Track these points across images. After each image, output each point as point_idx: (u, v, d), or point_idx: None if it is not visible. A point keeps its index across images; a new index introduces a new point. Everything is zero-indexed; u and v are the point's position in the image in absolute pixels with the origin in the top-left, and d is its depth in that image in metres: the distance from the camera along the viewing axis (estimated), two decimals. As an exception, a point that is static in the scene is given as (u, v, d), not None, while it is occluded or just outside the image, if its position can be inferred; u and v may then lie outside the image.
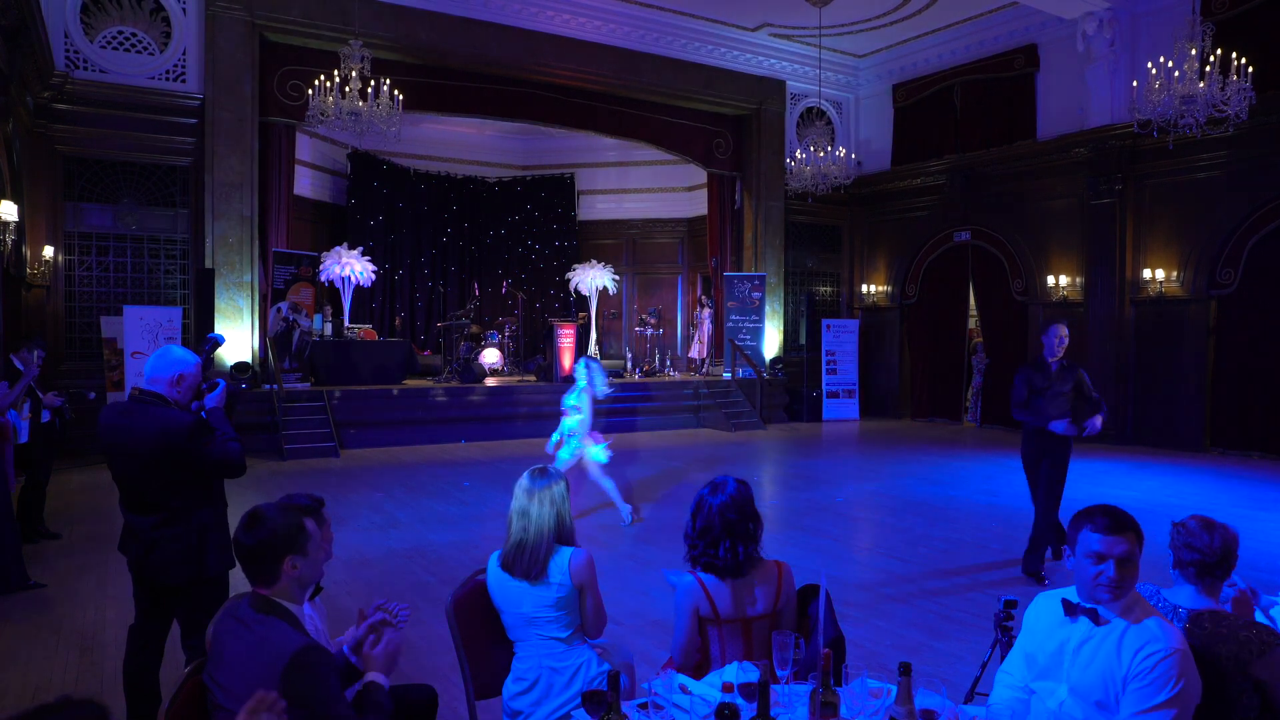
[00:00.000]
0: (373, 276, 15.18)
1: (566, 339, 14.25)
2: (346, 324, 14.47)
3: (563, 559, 2.83)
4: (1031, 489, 6.15)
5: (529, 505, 2.85)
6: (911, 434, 14.10)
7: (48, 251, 10.46)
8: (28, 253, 10.03)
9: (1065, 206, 13.50)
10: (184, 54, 11.35)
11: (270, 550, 2.24)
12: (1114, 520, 2.16)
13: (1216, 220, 11.75)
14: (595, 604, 2.92)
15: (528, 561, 2.81)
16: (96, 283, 11.09)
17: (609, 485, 7.47)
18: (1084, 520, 2.21)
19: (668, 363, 17.26)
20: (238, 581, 3.53)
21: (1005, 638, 3.09)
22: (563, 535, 2.88)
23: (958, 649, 4.54)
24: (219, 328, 11.31)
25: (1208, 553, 2.36)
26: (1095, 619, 2.17)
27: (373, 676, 2.36)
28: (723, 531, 2.73)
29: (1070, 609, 2.21)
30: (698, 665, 2.82)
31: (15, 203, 8.55)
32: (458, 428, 12.56)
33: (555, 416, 13.42)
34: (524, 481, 2.91)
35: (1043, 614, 2.33)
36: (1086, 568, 2.17)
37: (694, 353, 16.98)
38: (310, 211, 16.17)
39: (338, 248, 14.88)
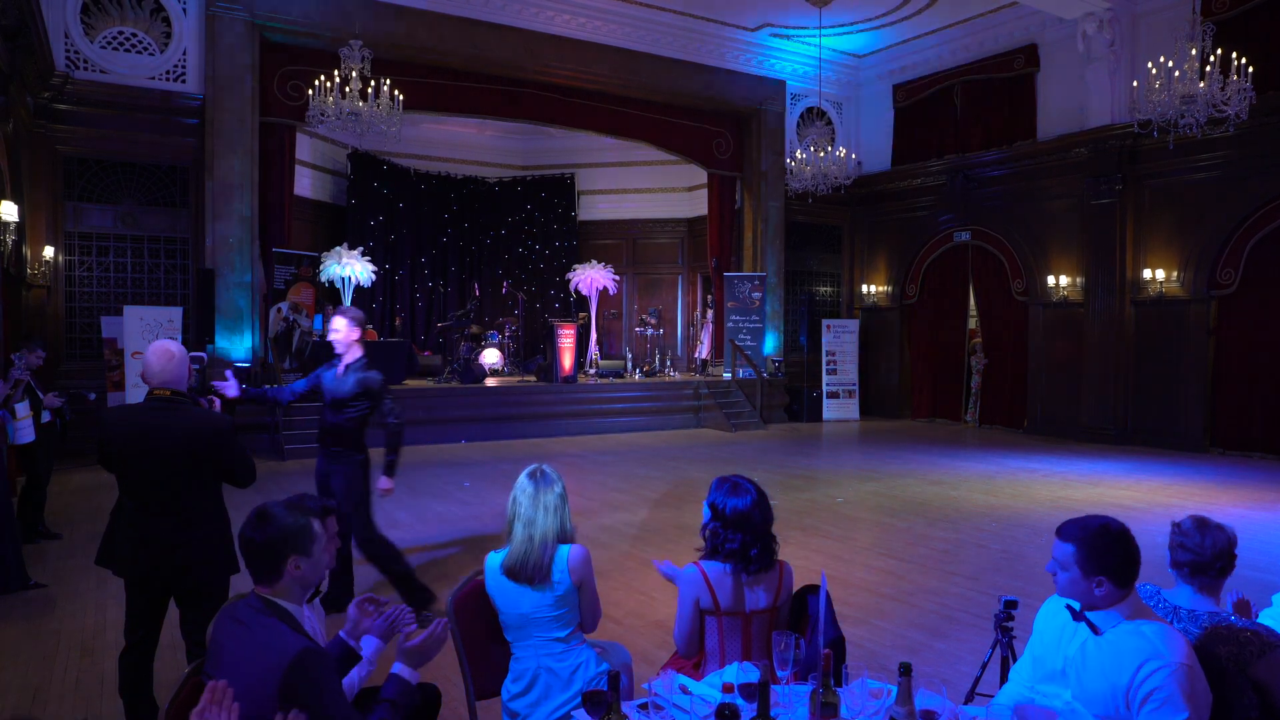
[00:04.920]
0: (373, 276, 15.18)
1: (567, 339, 14.25)
2: (347, 324, 14.45)
3: (561, 557, 2.84)
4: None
5: (535, 513, 2.84)
6: (911, 434, 14.10)
7: (48, 252, 10.46)
8: (28, 253, 10.04)
9: (1065, 206, 13.50)
10: (184, 54, 11.35)
11: (275, 548, 2.24)
12: (1061, 528, 2.27)
13: (1217, 220, 11.74)
14: (592, 598, 2.93)
15: (533, 569, 2.81)
16: (97, 283, 11.09)
17: None
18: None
19: (668, 363, 17.26)
20: (237, 584, 3.54)
21: (1005, 638, 3.09)
22: (565, 537, 2.89)
23: (958, 649, 4.54)
24: (219, 328, 11.31)
25: (1200, 552, 2.37)
26: (1093, 629, 2.17)
27: (398, 669, 2.36)
28: (764, 527, 2.77)
29: (1076, 614, 2.22)
30: (696, 660, 2.82)
31: (15, 203, 8.56)
32: (458, 428, 12.57)
33: (555, 417, 13.58)
34: (525, 486, 2.89)
35: (1051, 617, 2.34)
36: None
37: (699, 353, 17.03)
38: (310, 211, 16.17)
39: (338, 248, 14.88)
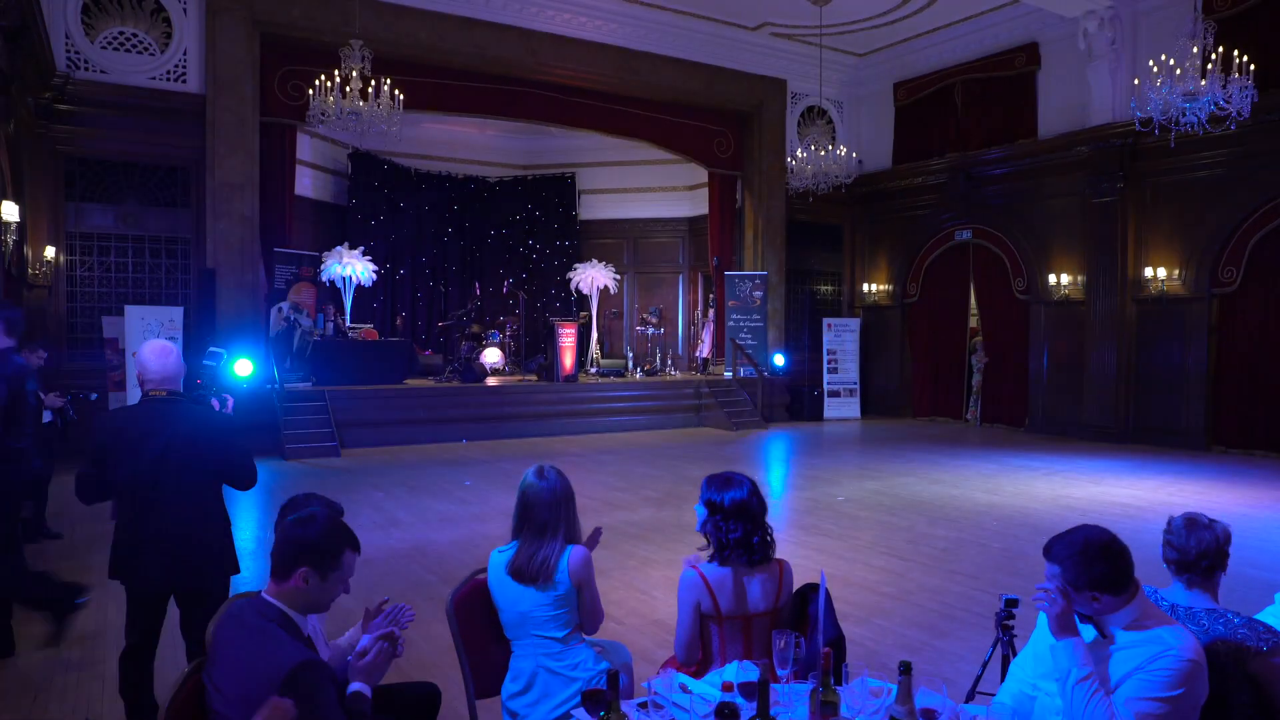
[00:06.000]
0: (374, 276, 15.19)
1: (568, 338, 14.25)
2: (348, 324, 14.48)
3: (564, 558, 2.83)
4: None
5: (545, 515, 2.82)
6: (913, 433, 14.09)
7: (49, 252, 10.47)
8: (29, 253, 10.03)
9: (1066, 205, 13.48)
10: (185, 54, 11.35)
11: (296, 550, 2.23)
12: (1047, 548, 2.25)
13: (1218, 218, 11.72)
14: (592, 600, 2.92)
15: (537, 569, 2.80)
16: (98, 283, 11.10)
17: None
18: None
19: (669, 362, 17.26)
20: (237, 585, 3.54)
21: (1006, 636, 3.09)
22: (571, 538, 2.88)
23: (959, 648, 4.54)
24: (220, 328, 11.31)
25: (1184, 551, 2.39)
26: (1101, 632, 2.17)
27: (356, 686, 2.35)
28: (761, 517, 2.79)
29: (1084, 618, 2.22)
30: (699, 662, 2.82)
31: (17, 203, 8.56)
32: (459, 427, 12.57)
33: (556, 416, 13.57)
34: (533, 485, 2.87)
35: None
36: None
37: (700, 351, 17.05)
38: (311, 211, 16.15)
39: (339, 247, 14.89)
